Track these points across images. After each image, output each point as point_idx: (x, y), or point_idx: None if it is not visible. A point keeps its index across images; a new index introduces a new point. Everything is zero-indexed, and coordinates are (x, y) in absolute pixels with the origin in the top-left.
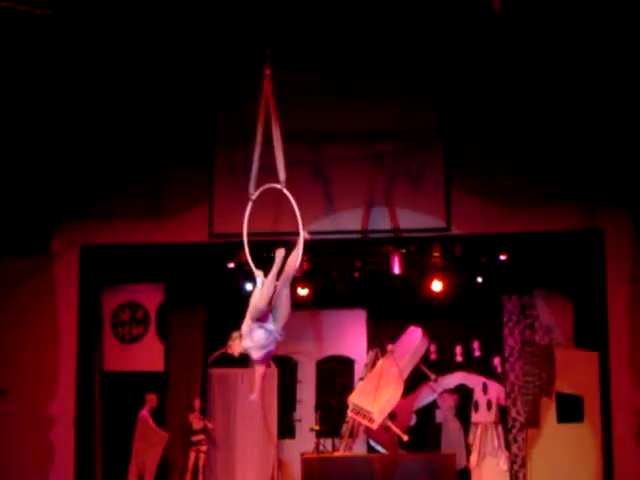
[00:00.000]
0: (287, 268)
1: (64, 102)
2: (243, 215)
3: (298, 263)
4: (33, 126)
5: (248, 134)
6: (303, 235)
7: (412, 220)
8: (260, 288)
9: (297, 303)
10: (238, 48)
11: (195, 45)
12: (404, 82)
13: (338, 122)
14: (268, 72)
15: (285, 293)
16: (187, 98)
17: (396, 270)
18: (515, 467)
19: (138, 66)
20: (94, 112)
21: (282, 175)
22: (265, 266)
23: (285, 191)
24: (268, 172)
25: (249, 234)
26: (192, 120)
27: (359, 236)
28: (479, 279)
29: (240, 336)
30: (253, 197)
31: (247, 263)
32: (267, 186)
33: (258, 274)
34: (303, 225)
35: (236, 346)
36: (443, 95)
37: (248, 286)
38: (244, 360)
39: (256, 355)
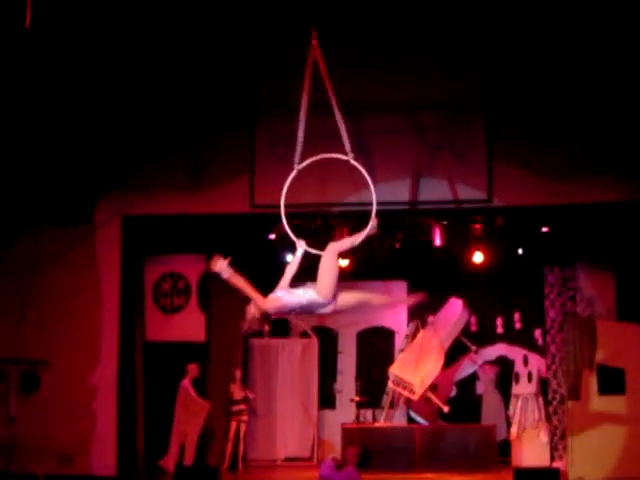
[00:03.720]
0: (343, 242)
1: (106, 72)
2: (285, 186)
3: (356, 243)
4: (77, 97)
5: (290, 104)
6: (372, 224)
7: (454, 192)
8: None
9: (338, 274)
10: (282, 17)
11: (239, 14)
12: (447, 54)
13: (380, 92)
14: (315, 43)
15: (330, 261)
16: (229, 68)
17: (437, 241)
18: (555, 439)
19: (181, 35)
20: (137, 82)
21: (348, 146)
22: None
23: (353, 162)
24: (311, 142)
25: (293, 205)
26: (234, 90)
27: (400, 207)
28: (520, 251)
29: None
30: (300, 166)
31: (287, 234)
32: (329, 156)
33: (300, 243)
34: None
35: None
36: (485, 66)
37: (288, 257)
38: (285, 331)
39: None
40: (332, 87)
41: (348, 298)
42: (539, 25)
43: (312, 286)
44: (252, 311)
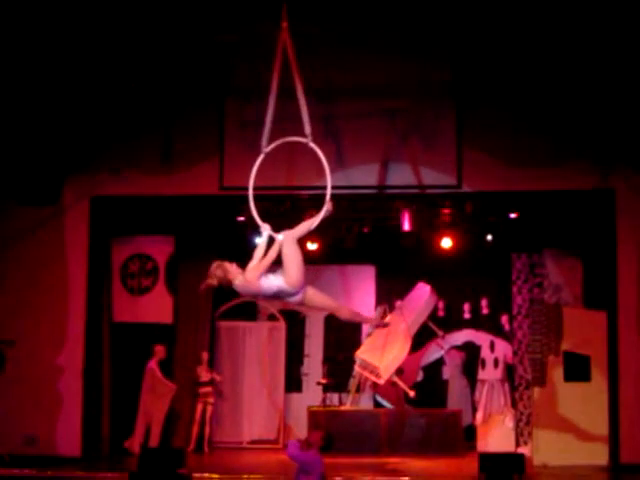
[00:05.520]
0: (298, 228)
1: (75, 52)
2: (253, 169)
3: (313, 227)
4: (45, 77)
5: (260, 87)
6: (327, 207)
7: (423, 177)
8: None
9: (306, 258)
10: None
11: None
12: (418, 39)
13: (350, 76)
14: (285, 25)
15: (291, 250)
16: (199, 50)
17: (406, 227)
18: (521, 425)
19: (150, 16)
20: (106, 62)
21: (307, 128)
22: (272, 220)
23: (312, 145)
24: (279, 126)
25: (261, 187)
26: (204, 72)
27: (369, 192)
28: (489, 237)
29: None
30: (267, 150)
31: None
32: (290, 139)
33: (265, 227)
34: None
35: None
36: (456, 52)
37: (258, 240)
38: (252, 314)
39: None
40: (299, 69)
41: (315, 299)
42: (510, 13)
43: (282, 282)
44: (217, 274)
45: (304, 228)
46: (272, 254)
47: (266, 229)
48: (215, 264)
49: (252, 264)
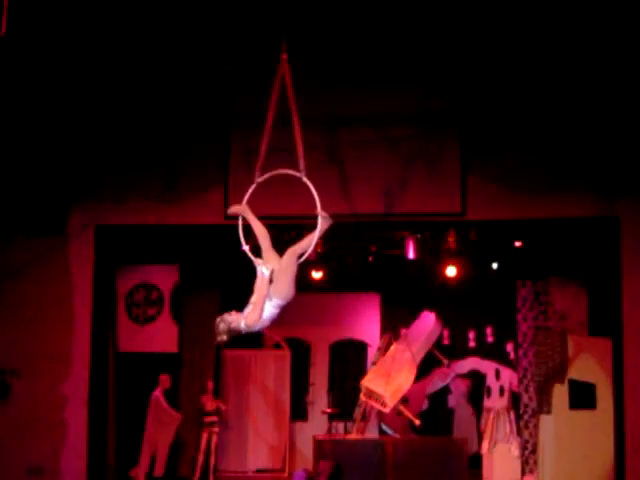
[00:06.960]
0: (301, 244)
1: (80, 81)
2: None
3: (311, 248)
4: (49, 105)
5: (265, 116)
6: (320, 220)
7: (427, 205)
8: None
9: (311, 286)
10: (255, 30)
11: (212, 26)
12: (419, 69)
13: (354, 106)
14: (284, 57)
15: (288, 263)
16: (204, 79)
17: (411, 255)
18: (526, 453)
19: (154, 47)
20: (111, 91)
21: (301, 163)
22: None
23: (305, 179)
24: (279, 155)
25: (268, 217)
26: (208, 101)
27: (374, 220)
28: (494, 265)
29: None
30: (259, 180)
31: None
32: (284, 172)
33: (258, 262)
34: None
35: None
36: (458, 82)
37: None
38: (258, 342)
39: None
40: (296, 103)
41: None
42: (513, 41)
43: (271, 294)
44: (222, 328)
45: (305, 244)
46: (263, 290)
47: (259, 264)
48: (217, 320)
49: (252, 299)
